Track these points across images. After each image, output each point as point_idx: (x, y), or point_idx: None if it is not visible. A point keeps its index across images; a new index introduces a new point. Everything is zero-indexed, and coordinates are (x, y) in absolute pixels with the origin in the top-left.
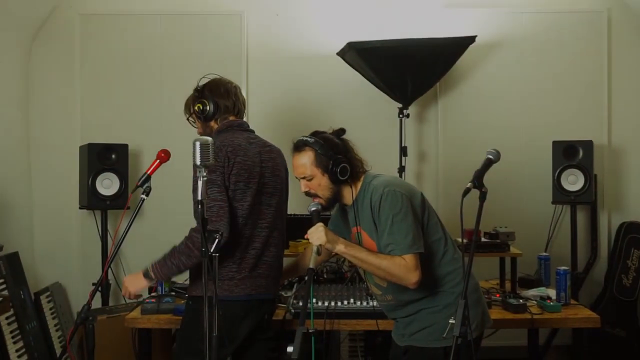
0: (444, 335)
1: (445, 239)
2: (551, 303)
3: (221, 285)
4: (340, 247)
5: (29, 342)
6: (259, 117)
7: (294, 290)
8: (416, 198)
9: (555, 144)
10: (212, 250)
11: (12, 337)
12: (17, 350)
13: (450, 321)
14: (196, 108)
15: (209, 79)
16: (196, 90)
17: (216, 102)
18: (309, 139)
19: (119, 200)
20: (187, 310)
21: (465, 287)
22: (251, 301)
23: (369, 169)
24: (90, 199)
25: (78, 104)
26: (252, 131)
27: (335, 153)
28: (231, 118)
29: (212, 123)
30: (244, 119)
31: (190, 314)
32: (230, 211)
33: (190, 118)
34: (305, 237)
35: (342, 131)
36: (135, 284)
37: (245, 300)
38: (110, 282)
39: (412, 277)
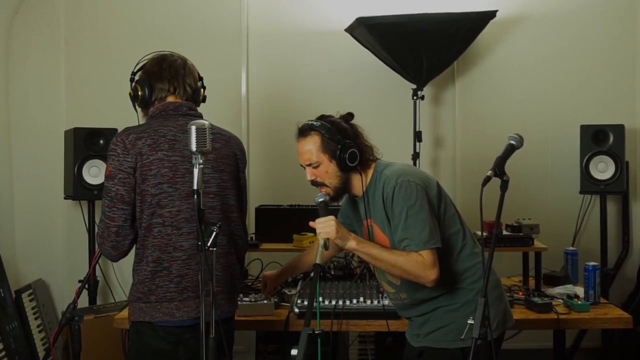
0: (462, 337)
1: (463, 231)
2: (579, 302)
3: (159, 309)
4: (352, 244)
5: (9, 344)
6: (260, 100)
7: (298, 288)
8: (432, 188)
9: (584, 128)
10: (209, 245)
11: None
12: None
13: (469, 321)
14: (129, 94)
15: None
16: (132, 73)
17: (150, 85)
18: (314, 123)
19: None
20: (132, 343)
21: (485, 284)
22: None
23: (379, 156)
24: (76, 188)
25: (63, 85)
26: (197, 115)
27: (344, 137)
28: (169, 99)
29: (151, 110)
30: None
31: (136, 346)
32: (124, 233)
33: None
34: (311, 224)
35: (350, 116)
36: None
37: (190, 326)
38: (98, 278)
39: (429, 274)
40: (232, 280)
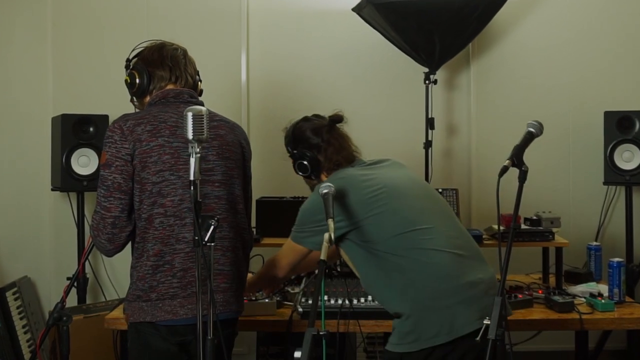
0: (477, 339)
1: (395, 237)
2: (603, 301)
3: (161, 307)
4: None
5: None
6: (261, 85)
7: (302, 286)
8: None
9: (608, 114)
10: (206, 239)
11: None
12: None
13: (485, 322)
14: (125, 81)
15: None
16: (126, 60)
17: (149, 73)
18: (286, 128)
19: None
20: (132, 344)
21: (502, 281)
22: (204, 323)
23: (362, 161)
24: (65, 179)
25: (50, 69)
26: (198, 102)
27: (304, 147)
28: (169, 87)
29: (148, 98)
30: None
31: (136, 348)
32: (120, 224)
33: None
34: None
35: (333, 121)
36: None
37: (195, 325)
38: (88, 276)
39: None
40: (240, 276)
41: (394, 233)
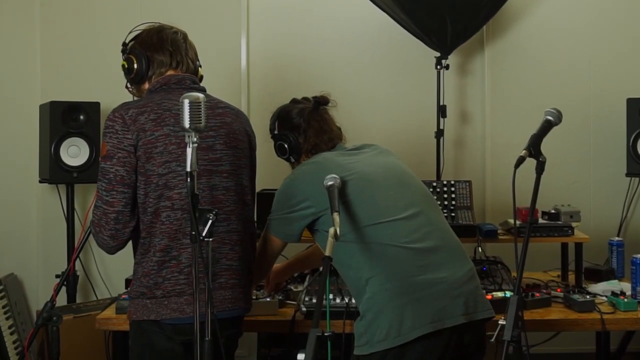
0: (491, 340)
1: (356, 230)
2: (625, 300)
3: (167, 305)
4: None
5: None
6: (261, 72)
7: (306, 284)
8: (309, 195)
9: (631, 101)
10: (204, 234)
11: None
12: None
13: (500, 322)
14: (122, 66)
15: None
16: (123, 44)
17: (148, 57)
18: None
19: (89, 172)
20: (133, 343)
21: (518, 279)
22: (212, 322)
23: (343, 146)
24: (53, 171)
25: (38, 53)
26: (200, 89)
27: (286, 129)
28: (169, 73)
29: (147, 84)
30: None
31: (138, 347)
32: (124, 220)
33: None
34: None
35: (318, 103)
36: None
37: (201, 322)
38: (79, 274)
39: None
40: (250, 272)
41: (355, 226)
